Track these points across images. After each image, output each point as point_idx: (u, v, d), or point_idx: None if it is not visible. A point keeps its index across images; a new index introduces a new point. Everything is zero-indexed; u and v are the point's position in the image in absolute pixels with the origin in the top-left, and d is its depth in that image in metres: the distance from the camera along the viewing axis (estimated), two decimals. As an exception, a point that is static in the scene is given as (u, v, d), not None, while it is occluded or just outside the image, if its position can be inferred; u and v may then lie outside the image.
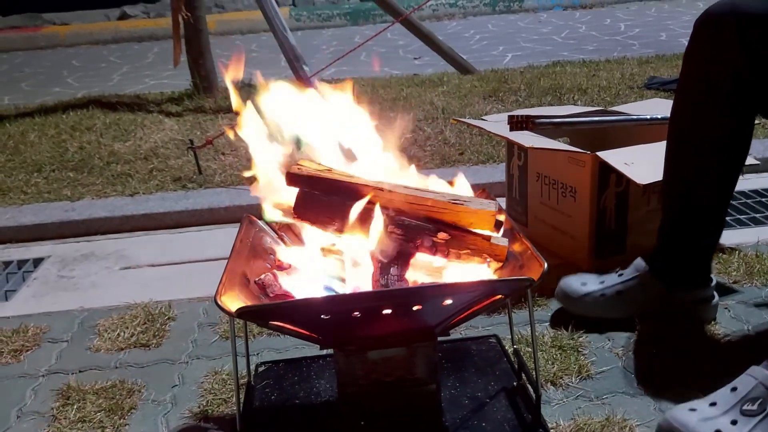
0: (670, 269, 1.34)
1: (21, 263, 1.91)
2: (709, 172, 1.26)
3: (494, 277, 1.02)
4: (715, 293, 1.38)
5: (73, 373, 1.36)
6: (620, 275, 1.39)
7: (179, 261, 1.87)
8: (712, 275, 1.37)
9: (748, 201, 1.96)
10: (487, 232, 1.01)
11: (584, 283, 1.40)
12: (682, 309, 1.36)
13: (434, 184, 1.13)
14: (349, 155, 1.14)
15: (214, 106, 3.24)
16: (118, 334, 1.48)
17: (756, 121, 1.92)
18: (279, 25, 3.06)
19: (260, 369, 1.31)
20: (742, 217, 1.86)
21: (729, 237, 1.71)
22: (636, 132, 1.72)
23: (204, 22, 3.36)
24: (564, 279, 1.43)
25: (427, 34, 3.66)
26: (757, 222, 1.82)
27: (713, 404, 1.03)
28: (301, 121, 1.12)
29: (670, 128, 1.28)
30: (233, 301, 0.93)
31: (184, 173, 2.39)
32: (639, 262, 1.37)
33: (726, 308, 1.42)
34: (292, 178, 1.04)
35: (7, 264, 1.91)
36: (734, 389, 1.03)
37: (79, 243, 2.04)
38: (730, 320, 1.38)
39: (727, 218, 1.84)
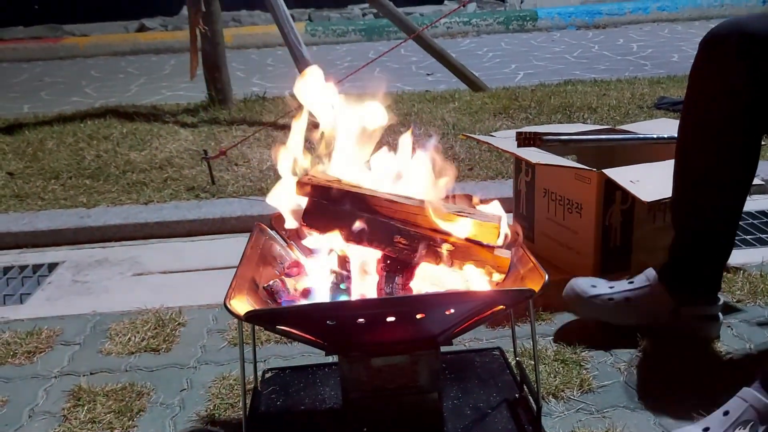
0: (680, 284, 1.35)
1: (36, 267, 1.95)
2: (716, 192, 1.27)
3: (496, 287, 1.04)
4: (720, 313, 1.39)
5: (84, 375, 1.39)
6: (631, 282, 1.40)
7: (191, 268, 1.90)
8: (720, 295, 1.38)
9: (754, 221, 1.97)
10: (490, 244, 1.03)
11: (594, 286, 1.41)
12: (688, 324, 1.37)
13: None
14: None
15: (228, 118, 3.30)
16: (129, 338, 1.51)
17: (764, 143, 1.94)
18: (294, 40, 3.11)
19: (267, 375, 1.33)
20: (747, 237, 1.87)
21: (734, 256, 1.71)
22: (642, 151, 1.74)
23: (221, 35, 3.42)
24: (573, 279, 1.44)
25: (440, 51, 3.70)
26: (762, 242, 1.83)
27: (706, 429, 1.04)
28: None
29: (677, 147, 1.30)
30: (242, 305, 0.96)
31: (198, 183, 2.43)
32: (650, 272, 1.39)
33: (729, 326, 1.43)
34: (303, 187, 1.07)
35: (23, 268, 1.95)
36: (726, 413, 1.04)
37: (94, 249, 2.08)
38: (732, 338, 1.39)
39: (733, 238, 1.85)
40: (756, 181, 1.45)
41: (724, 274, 1.63)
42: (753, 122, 1.21)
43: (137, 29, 7.51)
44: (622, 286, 1.41)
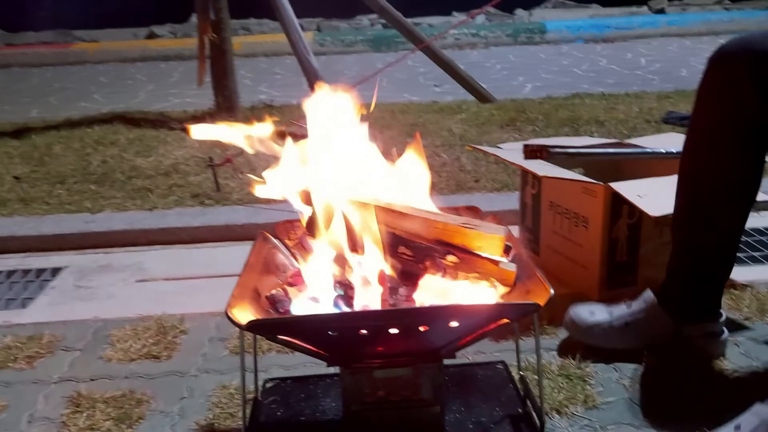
0: (679, 303, 1.34)
1: (40, 272, 1.95)
2: (719, 208, 1.27)
3: (501, 301, 1.03)
4: (725, 328, 1.38)
5: (84, 382, 1.38)
6: (629, 307, 1.39)
7: (194, 276, 1.89)
8: (722, 310, 1.37)
9: (762, 238, 1.95)
10: (495, 257, 1.02)
11: (593, 313, 1.41)
12: (690, 343, 1.36)
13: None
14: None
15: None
16: (131, 345, 1.50)
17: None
18: (303, 49, 3.12)
19: (268, 385, 1.32)
20: (755, 254, 1.85)
21: (742, 273, 1.71)
22: (650, 165, 1.73)
23: (229, 43, 3.44)
24: (573, 308, 1.44)
25: (448, 62, 3.71)
26: (770, 259, 1.82)
27: None
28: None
29: (682, 163, 1.30)
30: (244, 314, 0.95)
31: (203, 190, 2.43)
32: (648, 294, 1.38)
33: (736, 344, 1.41)
34: (307, 197, 1.07)
35: (26, 272, 1.95)
36: (737, 427, 1.03)
37: (97, 254, 2.08)
38: (739, 356, 1.37)
39: (741, 255, 1.83)
40: (765, 197, 1.44)
41: (732, 291, 1.62)
42: (759, 139, 1.20)
43: (146, 36, 7.55)
44: (620, 310, 1.40)
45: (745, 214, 1.28)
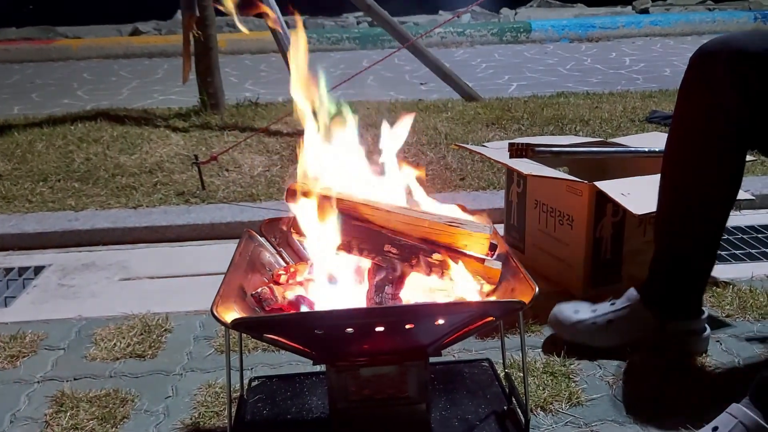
0: (662, 300, 1.36)
1: (22, 270, 1.93)
2: (701, 206, 1.28)
3: (486, 298, 1.04)
4: (707, 325, 1.39)
5: (67, 381, 1.37)
6: (612, 304, 1.41)
7: (179, 274, 1.88)
8: (704, 308, 1.39)
9: (744, 236, 1.98)
10: (481, 255, 1.03)
11: (577, 311, 1.42)
12: (673, 340, 1.37)
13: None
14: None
15: (220, 123, 3.28)
16: (115, 343, 1.49)
17: (754, 158, 1.95)
18: (288, 47, 3.10)
19: (253, 383, 1.32)
20: (737, 252, 1.87)
21: (724, 271, 1.73)
22: (634, 164, 1.74)
23: (214, 40, 3.41)
24: (557, 306, 1.45)
25: (434, 61, 3.71)
26: (752, 257, 1.84)
27: None
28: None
29: (664, 161, 1.31)
30: (229, 313, 0.95)
31: (188, 188, 2.41)
32: (631, 292, 1.39)
33: (718, 341, 1.43)
34: (293, 195, 1.07)
35: (8, 270, 1.93)
36: (715, 429, 1.04)
37: (81, 253, 2.06)
38: (721, 353, 1.39)
39: (723, 253, 1.86)
40: (746, 195, 1.45)
41: (714, 288, 1.64)
42: (740, 138, 1.22)
43: (131, 33, 7.49)
44: (604, 308, 1.41)
45: (727, 211, 1.29)
